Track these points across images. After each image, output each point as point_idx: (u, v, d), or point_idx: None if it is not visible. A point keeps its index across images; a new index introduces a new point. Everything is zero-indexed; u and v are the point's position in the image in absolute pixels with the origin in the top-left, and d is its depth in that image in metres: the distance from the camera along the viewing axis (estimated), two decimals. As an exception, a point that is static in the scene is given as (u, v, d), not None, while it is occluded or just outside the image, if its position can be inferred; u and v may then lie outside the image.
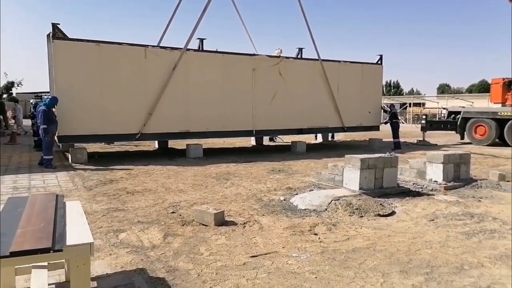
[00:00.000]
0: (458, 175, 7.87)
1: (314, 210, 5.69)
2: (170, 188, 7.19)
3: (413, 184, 7.59)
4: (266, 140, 16.98)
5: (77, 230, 2.75)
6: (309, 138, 17.44)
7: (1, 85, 34.27)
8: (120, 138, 11.63)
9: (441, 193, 7.02)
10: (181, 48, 11.48)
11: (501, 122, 15.86)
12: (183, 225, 4.94)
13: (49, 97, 9.53)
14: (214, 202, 6.17)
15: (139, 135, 11.10)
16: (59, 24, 9.94)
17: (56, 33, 9.90)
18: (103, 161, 10.65)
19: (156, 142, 14.23)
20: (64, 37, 10.06)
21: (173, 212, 5.52)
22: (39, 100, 15.13)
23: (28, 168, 9.36)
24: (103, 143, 14.24)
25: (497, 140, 16.16)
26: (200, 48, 12.19)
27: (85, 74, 10.22)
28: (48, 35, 10.35)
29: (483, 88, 58.10)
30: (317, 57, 13.94)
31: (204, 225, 4.91)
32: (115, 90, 10.61)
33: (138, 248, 4.15)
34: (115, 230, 4.72)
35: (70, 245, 2.46)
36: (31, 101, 19.52)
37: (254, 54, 13.41)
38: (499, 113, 16.02)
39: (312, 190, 6.88)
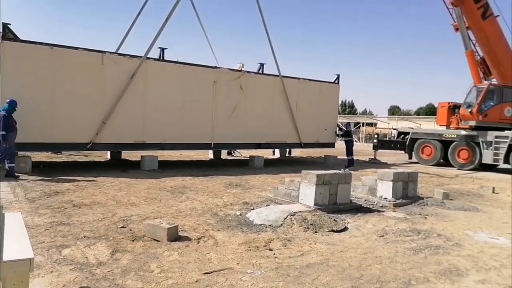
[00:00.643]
0: (407, 193, 8.24)
1: (270, 225, 5.68)
2: (121, 202, 6.88)
3: (365, 200, 7.83)
4: (224, 154, 16.89)
5: (16, 245, 2.53)
6: (267, 153, 17.58)
7: None
8: (69, 147, 11.00)
9: (391, 210, 7.30)
10: (141, 57, 11.22)
11: (445, 144, 16.93)
12: (133, 240, 4.72)
13: (8, 101, 8.85)
14: (167, 216, 5.98)
15: (91, 145, 10.60)
16: (10, 24, 9.40)
17: (7, 34, 9.34)
18: (49, 171, 10.03)
19: (109, 152, 13.68)
20: (15, 39, 9.51)
21: (123, 227, 5.27)
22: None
23: (-37, 177, 8.59)
24: (50, 152, 13.45)
25: (441, 160, 17.20)
26: (161, 58, 11.99)
27: (35, 78, 9.67)
28: (-4, 35, 9.72)
29: (430, 111, 62.01)
30: (277, 73, 14.20)
31: (156, 240, 4.72)
32: (68, 97, 10.12)
33: (83, 265, 3.89)
34: (58, 245, 4.41)
35: (6, 261, 2.25)
36: None
37: (215, 67, 13.41)
38: (444, 135, 17.11)
39: (269, 205, 6.89)
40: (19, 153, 10.09)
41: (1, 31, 9.27)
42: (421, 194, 8.93)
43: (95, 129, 10.55)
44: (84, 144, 10.50)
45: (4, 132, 8.71)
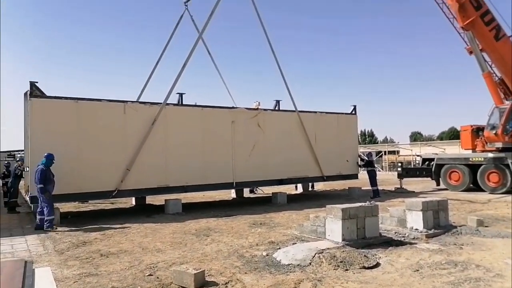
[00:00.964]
0: (438, 222, 7.92)
1: (298, 265, 5.52)
2: (147, 248, 6.88)
3: (395, 233, 7.56)
4: (246, 192, 16.83)
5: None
6: (290, 189, 17.42)
7: None
8: (96, 196, 11.17)
9: (423, 241, 7.00)
10: (161, 103, 11.61)
11: (473, 168, 16.37)
12: (161, 288, 4.67)
13: (45, 155, 9.22)
14: (194, 261, 5.92)
15: (116, 192, 10.79)
16: (37, 82, 9.97)
17: (34, 91, 9.87)
18: (77, 221, 10.21)
19: (134, 198, 13.85)
20: (42, 95, 10.04)
21: (150, 275, 5.23)
22: (12, 159, 14.68)
23: (-4, 232, 8.83)
24: (77, 202, 13.73)
25: (471, 185, 16.58)
26: (180, 102, 12.37)
27: (61, 132, 10.08)
28: (25, 93, 10.30)
29: (453, 135, 60.72)
30: (294, 109, 14.34)
31: (183, 287, 4.65)
32: (93, 147, 10.46)
33: (112, 317, 3.85)
34: (87, 297, 4.40)
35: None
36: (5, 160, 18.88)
37: (232, 107, 13.70)
38: (470, 159, 16.59)
39: (295, 243, 6.74)
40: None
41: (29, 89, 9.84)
42: (453, 222, 8.56)
43: (119, 176, 10.77)
44: (110, 192, 10.70)
45: (42, 185, 8.99)
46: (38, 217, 9.07)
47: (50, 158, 9.23)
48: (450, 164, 17.24)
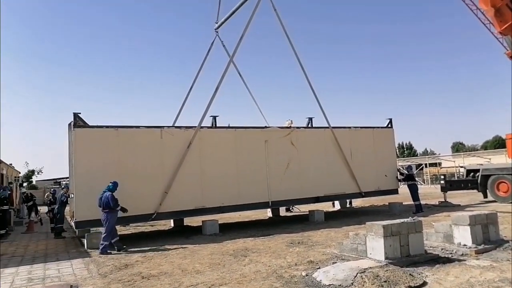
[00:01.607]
0: (488, 237, 7.44)
1: (340, 285, 5.35)
2: (186, 270, 6.93)
3: (441, 249, 7.17)
4: (282, 211, 16.66)
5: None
6: (327, 206, 17.08)
7: (22, 174, 35.44)
8: (136, 219, 11.46)
9: (473, 258, 6.59)
10: (195, 127, 11.89)
11: (523, 177, 15.37)
12: (201, 310, 4.66)
13: (112, 182, 9.73)
14: (232, 282, 5.89)
15: (155, 215, 11.04)
16: (80, 113, 10.53)
17: (77, 122, 10.43)
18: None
19: (172, 220, 14.09)
20: (85, 125, 10.58)
21: (190, 296, 5.25)
22: (58, 186, 15.44)
23: (44, 257, 9.24)
24: (119, 226, 14.14)
25: (522, 196, 15.53)
26: (214, 125, 12.62)
27: (103, 158, 10.54)
28: (69, 124, 10.90)
29: (498, 143, 57.52)
30: (327, 125, 14.21)
31: (223, 309, 4.62)
32: (132, 172, 10.81)
33: None
34: (130, 320, 4.46)
35: None
36: (52, 188, 19.89)
37: (265, 127, 13.78)
38: (519, 168, 15.62)
39: (335, 262, 6.54)
40: (91, 229, 10.74)
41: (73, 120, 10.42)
42: (505, 236, 8.01)
43: (158, 200, 11.04)
44: (149, 215, 10.96)
45: (119, 208, 9.55)
46: (104, 241, 9.29)
47: (116, 185, 9.72)
48: (497, 175, 16.29)
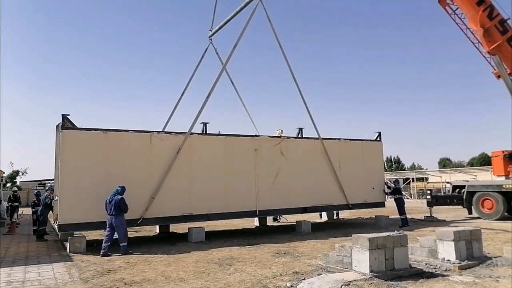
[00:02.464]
0: (471, 253, 7.53)
1: (324, 297, 5.33)
2: (170, 277, 6.83)
3: (426, 264, 7.22)
4: (270, 220, 16.61)
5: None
6: (314, 217, 17.09)
7: (6, 174, 34.81)
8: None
9: (456, 273, 6.65)
10: (185, 132, 11.84)
11: (508, 195, 15.62)
12: (183, 319, 4.59)
13: (120, 186, 9.86)
14: (216, 291, 5.82)
15: (141, 220, 10.90)
16: (68, 115, 10.41)
17: (66, 124, 10.31)
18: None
19: (158, 226, 13.93)
20: (73, 127, 10.45)
21: (173, 305, 5.17)
22: (42, 188, 15.18)
23: (25, 260, 9.03)
24: (103, 230, 13.92)
25: (506, 213, 15.77)
26: (204, 132, 12.59)
27: (90, 161, 10.40)
28: (57, 126, 10.75)
29: (484, 161, 58.55)
30: (317, 136, 14.29)
31: (206, 318, 4.57)
32: (119, 176, 10.66)
33: None
34: (110, 327, 4.37)
35: None
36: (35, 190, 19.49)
37: (255, 135, 13.79)
38: (504, 186, 15.87)
39: (321, 274, 6.53)
40: (74, 233, 10.56)
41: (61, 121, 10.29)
42: (488, 253, 8.11)
43: (144, 205, 10.91)
44: (135, 220, 10.81)
45: (126, 212, 9.74)
46: (106, 244, 9.37)
47: (124, 189, 9.91)
48: (482, 192, 16.54)
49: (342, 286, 5.50)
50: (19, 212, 20.12)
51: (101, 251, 9.29)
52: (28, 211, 20.59)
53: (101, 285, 6.38)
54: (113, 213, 9.53)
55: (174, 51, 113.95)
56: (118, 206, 9.55)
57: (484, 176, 27.44)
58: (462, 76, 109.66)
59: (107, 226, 9.67)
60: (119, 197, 9.63)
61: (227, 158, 12.49)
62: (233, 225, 15.94)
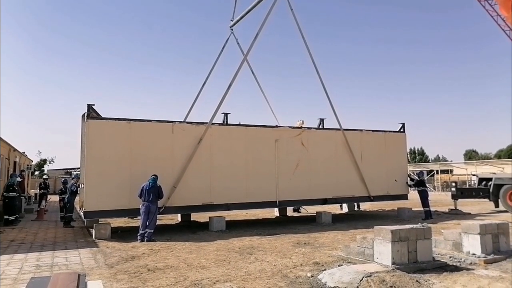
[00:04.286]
0: (498, 247, 7.32)
1: (345, 288, 5.31)
2: (192, 264, 6.96)
3: (450, 257, 7.07)
4: (290, 211, 16.63)
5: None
6: (335, 208, 16.98)
7: (34, 163, 36.05)
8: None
9: (481, 267, 6.48)
10: (207, 123, 11.92)
11: (537, 188, 15.08)
12: (205, 305, 4.68)
13: (153, 176, 10.17)
14: (237, 279, 5.89)
15: (163, 209, 11.11)
16: (94, 104, 10.65)
17: (91, 113, 10.55)
18: (126, 236, 10.60)
19: (179, 215, 14.17)
20: (98, 117, 10.69)
21: (195, 291, 5.27)
22: (68, 176, 15.65)
23: (53, 245, 9.38)
24: (127, 218, 14.27)
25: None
26: (225, 122, 12.64)
27: (114, 150, 10.64)
28: (83, 115, 11.03)
29: (512, 152, 56.51)
30: (339, 127, 14.11)
31: (227, 305, 4.63)
32: (143, 165, 10.87)
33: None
34: (134, 311, 4.50)
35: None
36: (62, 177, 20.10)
37: (276, 126, 13.75)
38: (533, 179, 15.32)
39: (341, 265, 6.50)
40: (100, 220, 10.87)
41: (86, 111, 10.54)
42: (516, 248, 7.86)
43: (166, 194, 11.09)
44: (157, 209, 11.01)
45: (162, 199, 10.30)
46: (147, 231, 9.79)
47: (157, 177, 10.22)
48: (510, 184, 16.00)
49: (363, 277, 5.46)
50: (47, 199, 20.86)
51: (145, 238, 9.61)
52: (55, 198, 21.32)
53: (125, 270, 6.57)
54: (151, 199, 9.86)
55: (196, 42, 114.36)
56: (157, 193, 9.96)
57: (513, 169, 26.50)
58: (490, 66, 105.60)
59: (141, 212, 9.94)
60: (159, 184, 10.04)
61: (247, 148, 12.52)
62: (253, 215, 16.04)
